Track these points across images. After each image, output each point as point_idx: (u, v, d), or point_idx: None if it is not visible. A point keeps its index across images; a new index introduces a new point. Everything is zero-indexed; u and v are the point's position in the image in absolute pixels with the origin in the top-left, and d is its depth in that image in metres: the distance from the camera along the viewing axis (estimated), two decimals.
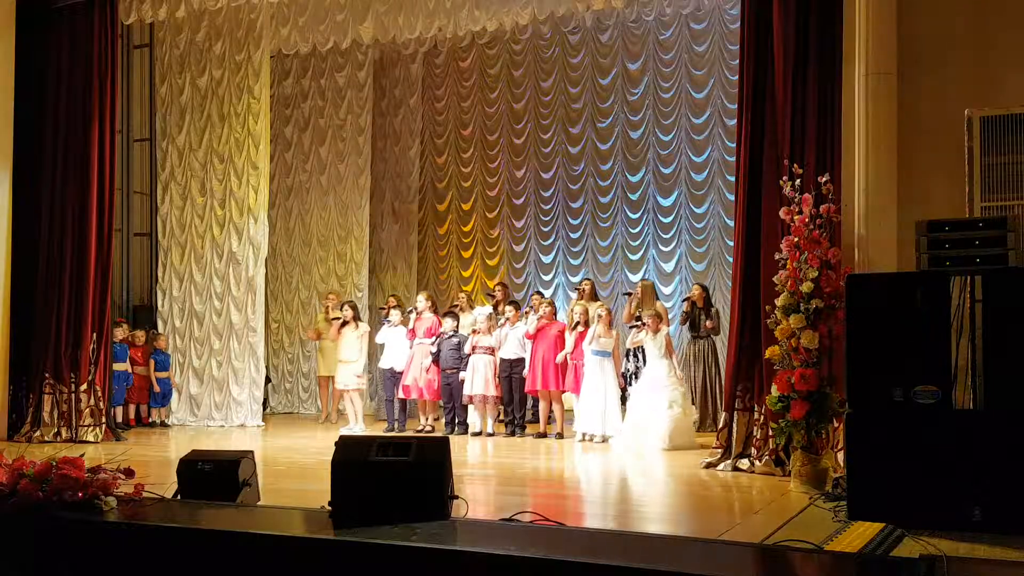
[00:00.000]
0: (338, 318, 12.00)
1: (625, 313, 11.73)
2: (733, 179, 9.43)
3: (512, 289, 13.68)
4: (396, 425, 11.45)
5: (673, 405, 9.78)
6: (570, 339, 10.62)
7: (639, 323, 10.39)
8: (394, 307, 11.82)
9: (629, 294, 11.84)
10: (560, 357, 10.58)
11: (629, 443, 9.79)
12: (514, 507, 5.85)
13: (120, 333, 11.76)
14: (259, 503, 5.74)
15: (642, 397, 9.95)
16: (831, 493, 6.77)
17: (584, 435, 10.29)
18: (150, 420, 12.24)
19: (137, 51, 13.42)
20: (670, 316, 12.91)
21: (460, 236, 15.11)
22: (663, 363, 10.00)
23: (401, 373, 11.44)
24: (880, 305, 6.01)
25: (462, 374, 11.01)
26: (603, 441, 10.14)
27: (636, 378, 10.63)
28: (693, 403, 11.32)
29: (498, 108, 14.81)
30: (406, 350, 11.47)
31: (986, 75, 7.08)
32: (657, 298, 11.73)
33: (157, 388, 12.13)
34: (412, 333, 11.45)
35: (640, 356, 10.70)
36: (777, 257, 7.49)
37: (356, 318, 11.79)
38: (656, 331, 10.10)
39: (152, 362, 12.15)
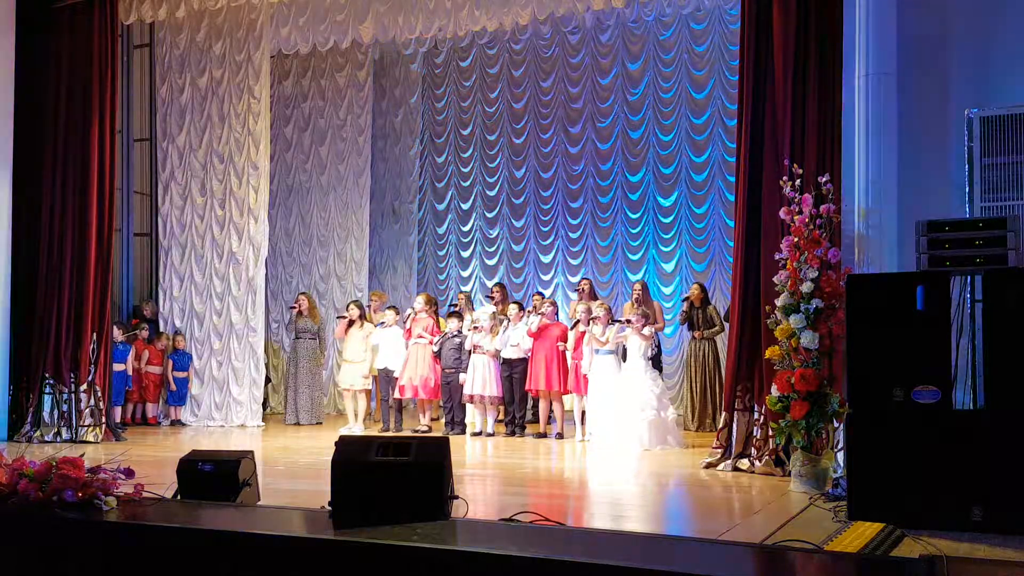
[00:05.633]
0: (348, 320, 11.96)
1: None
2: (733, 179, 9.43)
3: (511, 289, 13.69)
4: (393, 425, 11.45)
5: (646, 408, 9.75)
6: (571, 338, 10.61)
7: (626, 321, 10.34)
8: (388, 307, 11.89)
9: (639, 301, 11.47)
10: (561, 346, 10.59)
11: (610, 443, 9.80)
12: (514, 507, 5.84)
13: (119, 335, 11.73)
14: (259, 503, 5.73)
15: (619, 397, 9.93)
16: (831, 493, 6.77)
17: (587, 436, 10.28)
18: (158, 419, 12.29)
19: (137, 51, 13.41)
20: (669, 317, 12.96)
21: (459, 236, 15.14)
22: (641, 363, 9.99)
23: (396, 374, 11.46)
24: (880, 305, 6.02)
25: (461, 376, 11.02)
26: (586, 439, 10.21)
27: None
28: (693, 403, 11.34)
29: (498, 108, 14.83)
30: (401, 351, 11.48)
31: (986, 75, 7.08)
32: (652, 298, 11.75)
33: (174, 387, 12.19)
34: (408, 333, 11.46)
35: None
36: (777, 257, 7.49)
37: (362, 317, 11.82)
38: (641, 330, 10.07)
39: (170, 362, 12.23)
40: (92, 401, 10.64)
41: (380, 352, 11.66)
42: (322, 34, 12.19)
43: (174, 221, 12.61)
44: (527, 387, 10.83)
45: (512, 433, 10.89)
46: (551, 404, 10.78)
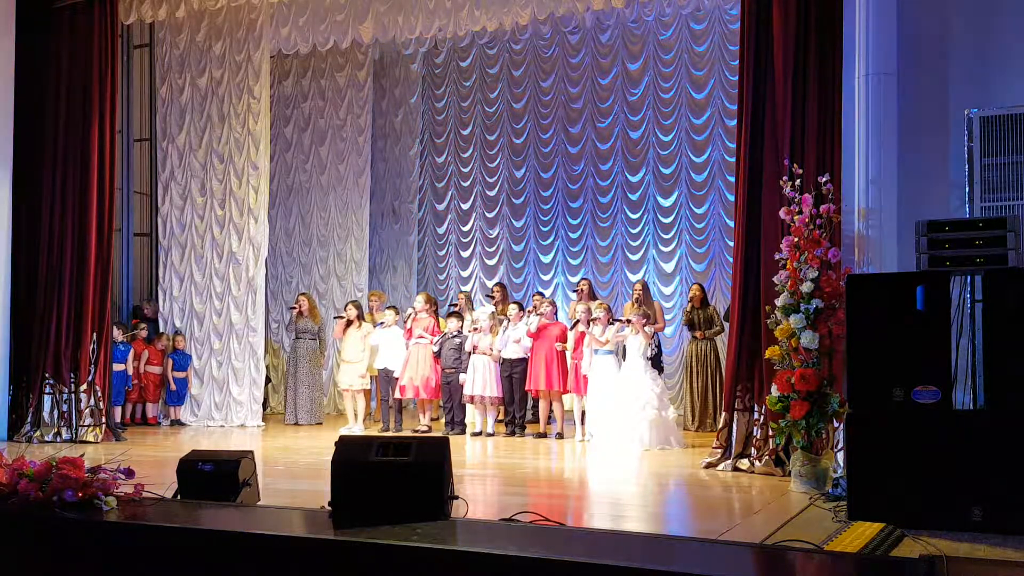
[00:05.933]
0: (346, 321, 11.94)
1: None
2: (733, 179, 9.42)
3: (511, 289, 13.67)
4: (393, 425, 11.45)
5: (647, 407, 9.74)
6: (571, 338, 10.61)
7: (626, 321, 10.32)
8: (388, 307, 11.88)
9: (639, 301, 11.40)
10: (559, 347, 10.59)
11: (610, 443, 9.79)
12: (514, 507, 5.85)
13: (119, 335, 11.73)
14: (259, 503, 5.73)
15: (620, 396, 9.92)
16: (831, 493, 6.77)
17: (587, 436, 10.27)
18: (158, 419, 12.30)
19: (137, 51, 13.42)
20: (670, 316, 12.96)
21: (459, 236, 15.13)
22: (640, 363, 9.98)
23: (396, 374, 11.45)
24: (880, 305, 6.02)
25: (462, 376, 11.01)
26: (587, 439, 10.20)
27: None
28: (693, 403, 11.33)
29: (498, 108, 14.83)
30: (401, 351, 11.47)
31: (986, 75, 7.08)
32: (652, 298, 11.74)
33: (174, 387, 12.20)
34: (409, 333, 11.47)
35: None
36: (777, 257, 7.49)
37: (360, 318, 11.82)
38: (640, 330, 10.06)
39: (170, 361, 12.23)
40: (92, 401, 10.64)
41: (380, 352, 11.66)
42: (322, 34, 12.19)
43: (174, 221, 12.61)
44: (527, 387, 10.83)
45: (512, 433, 10.89)
46: (551, 404, 10.78)
